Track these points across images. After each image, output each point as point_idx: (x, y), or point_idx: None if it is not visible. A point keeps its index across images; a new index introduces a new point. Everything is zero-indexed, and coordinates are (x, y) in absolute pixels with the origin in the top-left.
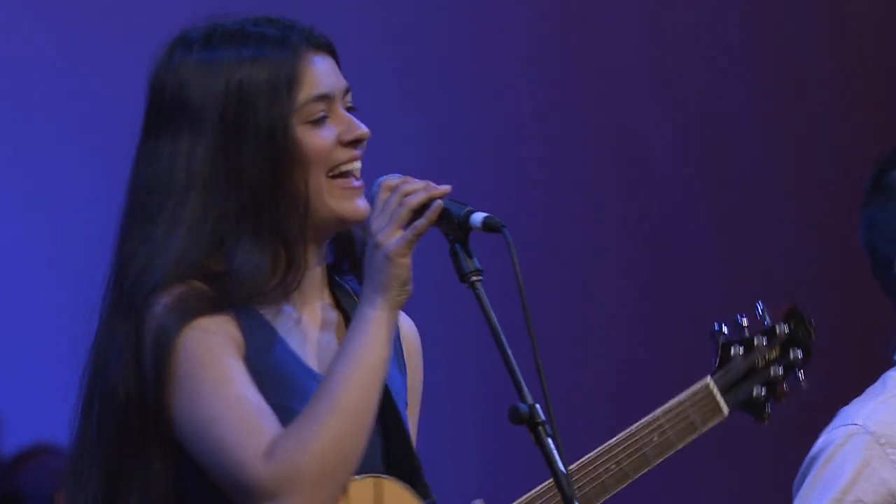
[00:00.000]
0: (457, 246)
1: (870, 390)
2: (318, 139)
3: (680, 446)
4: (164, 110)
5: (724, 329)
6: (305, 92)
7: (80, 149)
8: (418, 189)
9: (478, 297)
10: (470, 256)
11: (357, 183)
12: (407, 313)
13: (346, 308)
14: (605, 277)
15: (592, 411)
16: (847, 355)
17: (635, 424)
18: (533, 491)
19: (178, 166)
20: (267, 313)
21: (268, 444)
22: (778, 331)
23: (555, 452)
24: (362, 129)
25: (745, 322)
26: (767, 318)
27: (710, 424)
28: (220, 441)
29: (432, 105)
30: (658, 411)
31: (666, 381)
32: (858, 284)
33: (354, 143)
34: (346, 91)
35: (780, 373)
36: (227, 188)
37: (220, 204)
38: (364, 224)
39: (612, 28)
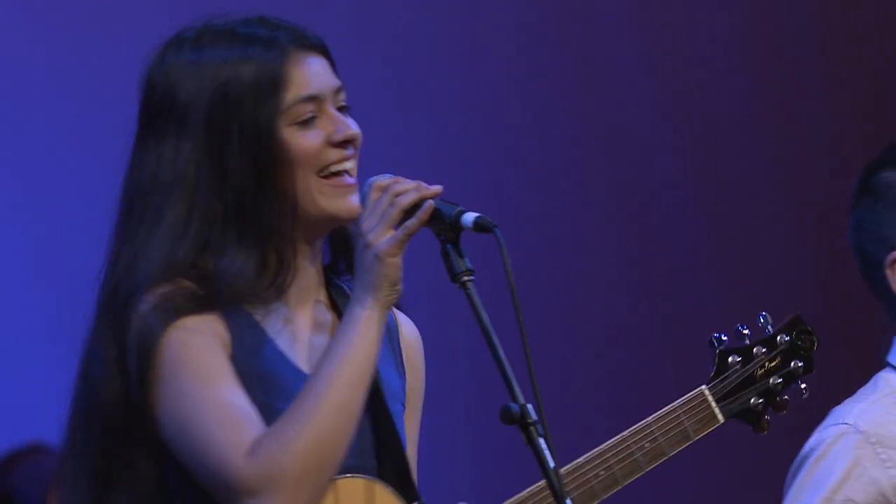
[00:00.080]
0: (448, 246)
1: (861, 390)
2: (305, 141)
3: (672, 454)
4: (155, 112)
5: (723, 337)
6: (292, 93)
7: (75, 149)
8: (409, 189)
9: (469, 297)
10: (461, 256)
11: (350, 180)
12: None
13: (342, 308)
14: (597, 278)
15: (584, 412)
16: (844, 356)
17: (627, 430)
18: (523, 492)
19: (165, 168)
20: (257, 313)
21: (251, 442)
22: (778, 341)
23: (546, 452)
24: (352, 130)
25: (745, 331)
26: (770, 327)
27: (704, 432)
28: (204, 440)
29: (425, 105)
30: (651, 418)
31: (659, 381)
32: (854, 286)
33: (344, 143)
34: (338, 91)
35: (780, 383)
36: (212, 190)
37: (205, 205)
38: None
39: (607, 28)
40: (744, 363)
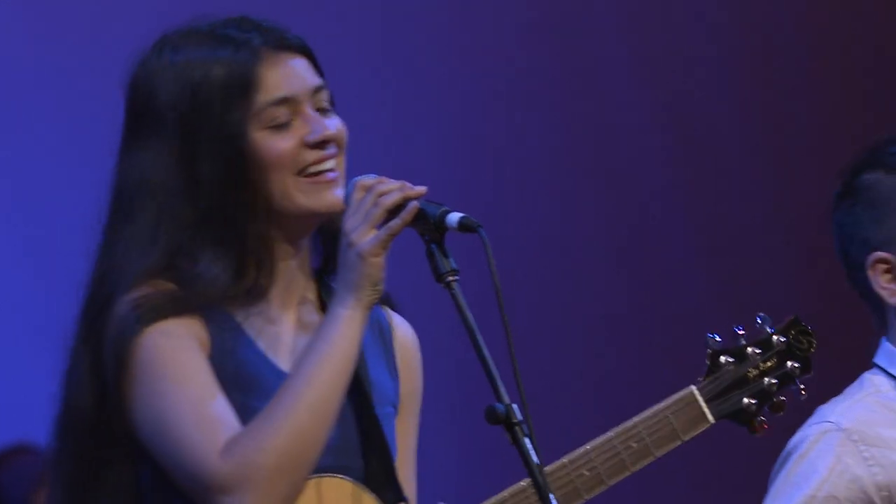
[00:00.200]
0: (433, 246)
1: (847, 390)
2: (278, 145)
3: (659, 454)
4: (136, 115)
5: (718, 338)
6: (264, 96)
7: (67, 150)
8: (393, 189)
9: (454, 297)
10: (446, 256)
11: (331, 175)
12: None
13: None
14: (583, 278)
15: (570, 412)
16: (843, 356)
17: (613, 430)
18: (503, 492)
19: (140, 172)
20: (238, 314)
21: (226, 441)
22: (774, 341)
23: (532, 453)
24: (329, 131)
25: (741, 332)
26: (768, 328)
27: (694, 433)
28: (180, 439)
29: (411, 105)
30: (637, 417)
31: (649, 383)
32: (845, 287)
33: (321, 144)
34: (317, 91)
35: (775, 384)
36: (184, 194)
37: (176, 210)
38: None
39: (595, 28)
40: (736, 363)
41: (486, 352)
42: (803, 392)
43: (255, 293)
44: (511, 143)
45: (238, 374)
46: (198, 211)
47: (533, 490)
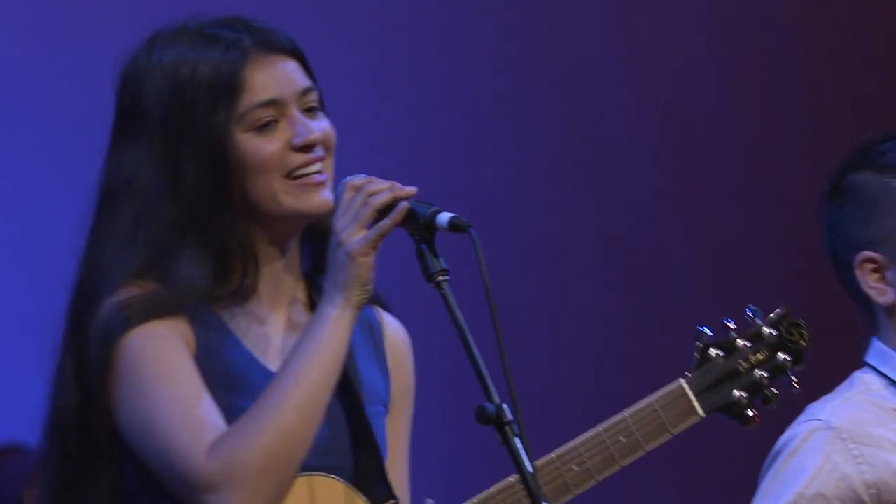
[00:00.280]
0: (423, 246)
1: (838, 388)
2: (263, 147)
3: (649, 448)
4: (124, 113)
5: (708, 332)
6: (249, 97)
7: (56, 148)
8: (383, 189)
9: (444, 297)
10: (436, 256)
11: (318, 178)
12: None
13: None
14: (574, 277)
15: (560, 412)
16: (838, 350)
17: (602, 424)
18: (491, 488)
19: (124, 172)
20: (225, 314)
21: (212, 440)
22: (765, 334)
23: (522, 453)
24: (314, 134)
25: (731, 325)
26: (758, 321)
27: (684, 426)
28: (165, 439)
29: (400, 105)
30: (626, 411)
31: (636, 383)
32: (836, 285)
33: (307, 147)
34: (305, 93)
35: (766, 377)
36: (168, 195)
37: (161, 210)
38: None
39: (585, 27)
40: (727, 356)
41: (476, 352)
42: (796, 384)
43: (241, 294)
44: (501, 142)
45: (225, 375)
46: (181, 211)
47: (521, 486)
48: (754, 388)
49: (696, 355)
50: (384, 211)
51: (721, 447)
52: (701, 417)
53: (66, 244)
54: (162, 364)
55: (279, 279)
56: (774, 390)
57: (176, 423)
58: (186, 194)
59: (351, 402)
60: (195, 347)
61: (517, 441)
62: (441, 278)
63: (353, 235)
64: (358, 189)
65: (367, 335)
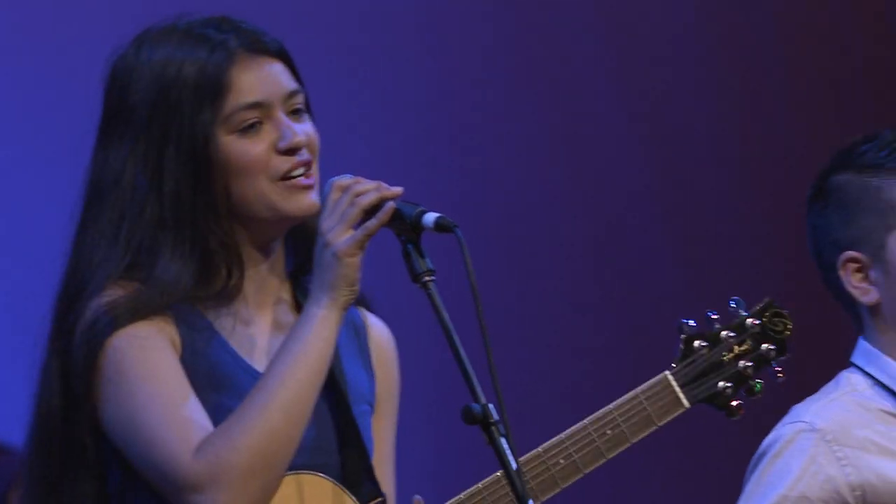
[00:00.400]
0: (409, 246)
1: (823, 389)
2: (247, 149)
3: (635, 440)
4: (110, 112)
5: (692, 323)
6: (234, 99)
7: (44, 147)
8: (370, 190)
9: (430, 297)
10: (422, 257)
11: (305, 181)
12: None
13: None
14: (560, 278)
15: (546, 412)
16: (823, 345)
17: (588, 418)
18: (478, 484)
19: (108, 171)
20: (210, 314)
21: (198, 440)
22: (748, 325)
23: (508, 453)
24: (298, 138)
25: (714, 317)
26: (742, 311)
27: (669, 418)
28: (151, 438)
29: (387, 106)
30: (612, 405)
31: (622, 383)
32: (820, 281)
33: (291, 150)
34: (291, 95)
35: (750, 367)
36: (149, 195)
37: (139, 211)
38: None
39: (568, 27)
40: (710, 348)
41: (462, 352)
42: (780, 374)
43: (226, 294)
44: (486, 142)
45: (211, 375)
46: (165, 211)
47: (507, 481)
48: (739, 379)
49: (681, 347)
50: (371, 211)
51: (706, 438)
52: (686, 409)
53: (54, 243)
54: (148, 364)
55: (264, 280)
56: (759, 381)
57: (162, 422)
58: (170, 194)
59: (337, 401)
60: (181, 348)
61: (503, 441)
62: (427, 278)
63: (339, 236)
64: (345, 189)
65: (353, 335)
